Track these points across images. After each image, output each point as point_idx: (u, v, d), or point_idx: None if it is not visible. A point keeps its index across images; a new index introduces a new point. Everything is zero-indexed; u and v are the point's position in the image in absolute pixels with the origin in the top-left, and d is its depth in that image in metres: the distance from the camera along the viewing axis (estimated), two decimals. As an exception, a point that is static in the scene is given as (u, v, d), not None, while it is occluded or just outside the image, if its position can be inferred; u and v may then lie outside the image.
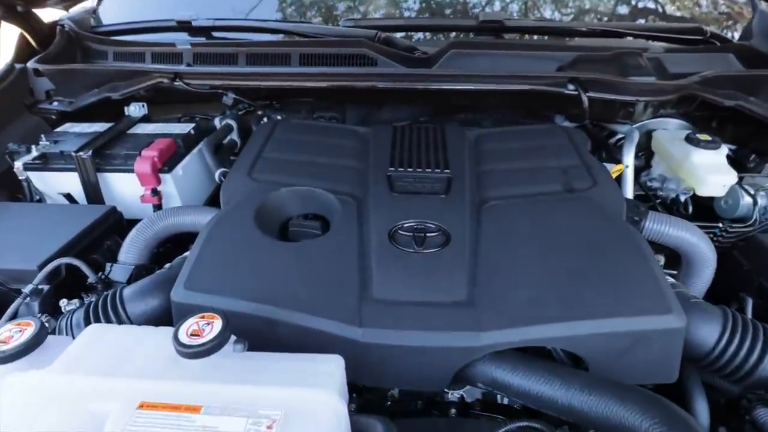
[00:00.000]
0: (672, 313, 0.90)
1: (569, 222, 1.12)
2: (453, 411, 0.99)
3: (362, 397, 1.01)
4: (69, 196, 1.58)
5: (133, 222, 1.34)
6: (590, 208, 1.16)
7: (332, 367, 0.74)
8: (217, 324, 0.76)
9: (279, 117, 1.84)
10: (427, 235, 1.08)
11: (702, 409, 0.96)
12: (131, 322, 1.03)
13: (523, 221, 1.13)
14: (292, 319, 0.91)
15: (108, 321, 1.02)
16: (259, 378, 0.71)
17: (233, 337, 0.78)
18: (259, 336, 0.91)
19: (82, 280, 1.20)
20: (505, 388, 0.89)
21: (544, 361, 0.91)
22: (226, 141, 1.78)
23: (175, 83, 1.57)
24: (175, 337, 0.73)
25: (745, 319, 0.98)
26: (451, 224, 1.10)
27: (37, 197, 1.61)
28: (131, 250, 1.28)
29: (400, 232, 1.09)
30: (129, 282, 1.21)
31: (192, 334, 0.74)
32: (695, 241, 1.22)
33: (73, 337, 0.83)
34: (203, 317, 0.77)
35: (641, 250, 1.03)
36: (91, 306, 1.04)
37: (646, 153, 1.73)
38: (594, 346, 0.91)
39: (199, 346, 0.72)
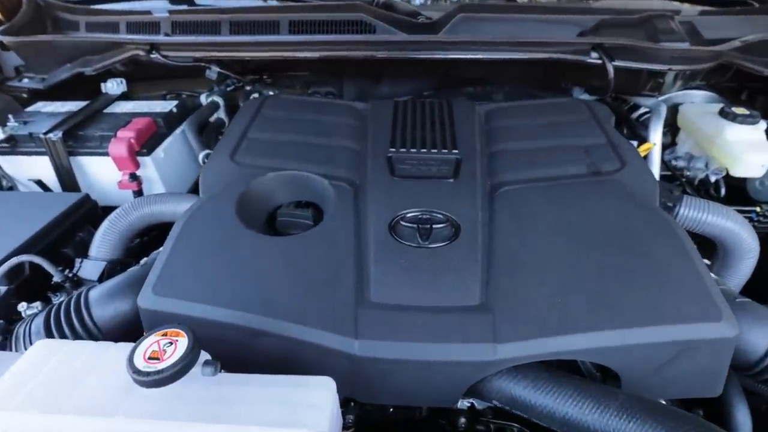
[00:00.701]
0: (723, 320, 0.77)
1: (596, 210, 0.98)
2: (462, 420, 0.86)
3: (360, 407, 0.88)
4: (40, 183, 1.45)
5: (110, 210, 1.20)
6: (620, 194, 1.02)
7: (321, 397, 0.61)
8: (182, 343, 0.63)
9: (271, 93, 1.71)
10: (434, 226, 0.94)
11: (744, 419, 0.85)
12: (99, 330, 0.90)
13: (543, 209, 0.99)
14: (278, 330, 0.78)
15: (71, 328, 0.89)
16: (232, 413, 0.58)
17: (204, 357, 0.65)
18: (239, 349, 0.80)
19: (49, 279, 1.07)
20: (526, 408, 0.77)
21: (571, 377, 0.78)
22: (213, 120, 1.64)
23: (152, 55, 1.42)
24: (130, 361, 0.60)
25: None
26: (460, 213, 0.96)
27: (8, 184, 1.47)
28: (104, 243, 1.14)
29: (402, 223, 0.95)
30: (101, 280, 1.08)
31: (150, 357, 0.61)
32: (737, 230, 1.08)
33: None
34: (166, 334, 0.64)
35: (682, 244, 0.90)
36: (53, 310, 0.91)
37: (670, 129, 1.58)
38: (629, 359, 0.78)
39: (157, 372, 0.59)
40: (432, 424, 0.90)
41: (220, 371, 0.64)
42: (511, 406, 0.78)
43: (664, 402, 0.87)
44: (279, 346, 0.78)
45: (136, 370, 0.59)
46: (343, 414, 0.81)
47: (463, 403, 0.89)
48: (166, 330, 0.64)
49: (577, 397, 0.74)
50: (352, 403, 0.87)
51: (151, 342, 0.62)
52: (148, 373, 0.58)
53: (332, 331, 0.77)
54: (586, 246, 0.90)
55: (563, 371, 0.80)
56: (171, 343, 0.62)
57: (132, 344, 0.64)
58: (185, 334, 0.63)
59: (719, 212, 1.09)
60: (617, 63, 1.30)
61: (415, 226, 0.94)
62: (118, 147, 1.34)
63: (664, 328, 0.77)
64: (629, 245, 0.90)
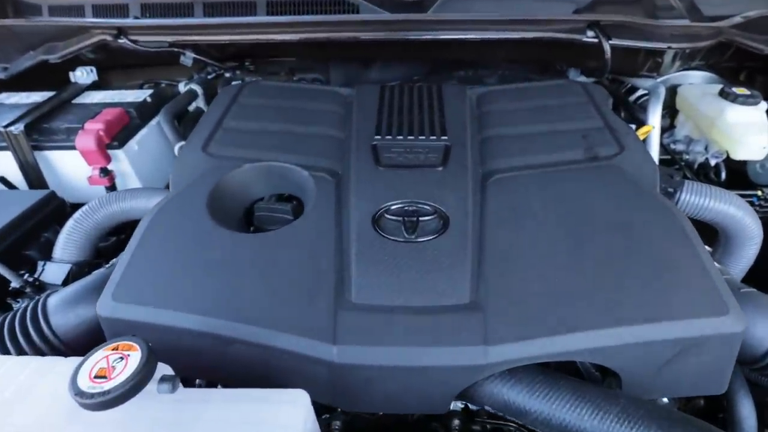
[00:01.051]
0: (729, 314, 0.72)
1: (594, 198, 0.91)
2: (456, 422, 0.81)
3: (347, 412, 0.82)
4: (4, 180, 1.36)
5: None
6: (619, 180, 0.95)
7: (292, 415, 0.54)
8: (135, 357, 0.55)
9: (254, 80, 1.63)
10: (420, 219, 0.87)
11: (748, 413, 0.81)
12: (60, 340, 0.82)
13: (538, 198, 0.92)
14: (251, 337, 0.71)
15: (27, 339, 0.82)
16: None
17: (162, 371, 0.58)
18: (211, 358, 0.73)
19: (6, 282, 1.00)
20: (521, 413, 0.71)
21: (568, 380, 0.72)
22: (192, 109, 1.56)
23: (120, 40, 1.33)
24: (72, 382, 0.52)
25: None
26: (449, 204, 0.89)
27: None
28: (69, 244, 1.07)
29: (386, 216, 0.88)
30: (66, 284, 1.01)
31: (97, 376, 0.53)
32: (740, 215, 1.02)
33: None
34: (116, 348, 0.56)
35: (684, 233, 0.84)
36: (7, 319, 0.84)
37: (669, 111, 1.52)
38: (631, 358, 0.72)
39: (103, 394, 0.51)
40: (424, 427, 0.85)
41: (180, 387, 0.57)
42: (505, 411, 0.72)
43: (666, 401, 0.83)
44: (253, 354, 0.72)
45: (78, 392, 0.51)
46: (330, 420, 0.77)
47: (457, 404, 0.83)
48: (117, 343, 0.57)
49: (575, 402, 0.68)
50: (339, 408, 0.80)
51: (98, 358, 0.55)
52: (92, 395, 0.51)
53: (309, 336, 0.70)
54: (583, 237, 0.84)
55: (560, 373, 0.74)
56: (122, 359, 0.55)
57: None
58: (138, 348, 0.56)
59: (722, 197, 1.03)
60: (614, 42, 1.23)
61: (400, 218, 0.87)
62: (86, 140, 1.26)
63: (668, 325, 0.71)
64: (629, 235, 0.84)
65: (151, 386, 0.55)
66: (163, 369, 0.58)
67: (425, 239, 0.84)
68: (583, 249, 0.82)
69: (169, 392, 0.56)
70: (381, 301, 0.75)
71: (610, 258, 0.80)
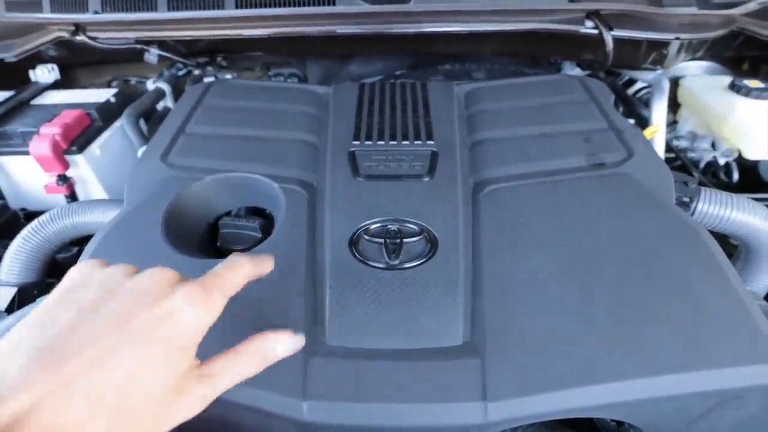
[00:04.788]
0: None
1: (604, 215, 0.80)
2: None
3: None
4: (-46, 189, 1.26)
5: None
6: (630, 191, 0.84)
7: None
8: None
9: (228, 77, 1.53)
10: (404, 240, 0.76)
11: None
12: None
13: (538, 213, 0.81)
14: None
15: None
16: None
17: None
18: None
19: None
20: None
21: None
22: (160, 109, 1.46)
23: (78, 37, 1.22)
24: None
25: None
26: (438, 223, 0.79)
27: None
28: (15, 264, 0.96)
29: (365, 237, 0.77)
30: (11, 310, 0.92)
31: None
32: (765, 227, 0.91)
33: None
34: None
35: (713, 257, 0.72)
36: None
37: (671, 106, 1.42)
38: (657, 414, 0.61)
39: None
40: None
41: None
42: None
43: None
44: (213, 410, 0.61)
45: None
46: None
47: None
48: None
49: None
50: None
51: None
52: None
53: (274, 390, 0.60)
54: (595, 263, 0.73)
55: (571, 430, 0.65)
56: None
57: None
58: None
59: (744, 207, 0.92)
60: (616, 33, 1.12)
61: (381, 241, 0.77)
62: (40, 145, 1.16)
63: (702, 375, 0.60)
64: (649, 263, 0.72)
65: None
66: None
67: (410, 265, 0.73)
68: (595, 278, 0.71)
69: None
70: (359, 343, 0.65)
71: (628, 291, 0.69)
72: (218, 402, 0.59)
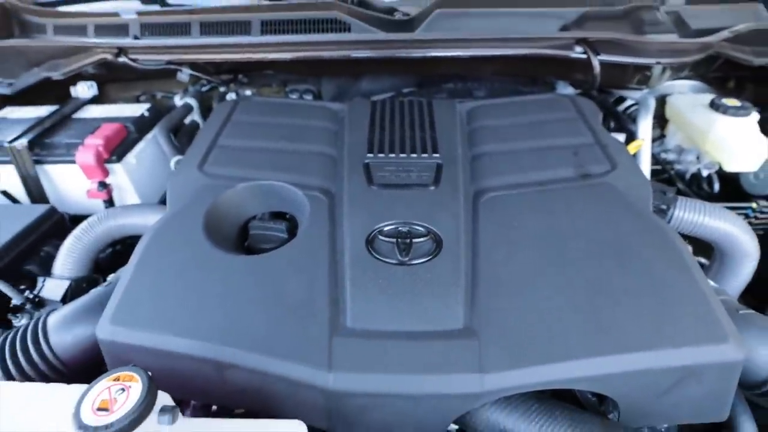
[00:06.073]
0: (729, 341, 0.72)
1: (588, 218, 0.92)
2: None
3: None
4: (6, 194, 1.39)
5: (81, 220, 1.15)
6: (611, 199, 0.96)
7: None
8: (136, 389, 0.58)
9: (248, 92, 1.65)
10: (414, 241, 0.88)
11: None
12: (59, 359, 0.84)
13: (530, 218, 0.93)
14: (247, 362, 0.73)
15: (28, 358, 0.83)
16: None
17: (162, 401, 0.60)
18: (208, 382, 0.75)
19: (8, 300, 1.02)
20: None
21: (565, 408, 0.74)
22: (187, 122, 1.59)
23: (120, 59, 1.35)
24: (75, 416, 0.55)
25: None
26: (442, 226, 0.91)
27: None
28: (68, 260, 1.09)
29: (380, 237, 0.89)
30: (65, 300, 1.03)
31: (100, 408, 0.56)
32: (735, 233, 1.03)
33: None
34: (118, 378, 0.59)
35: (681, 255, 0.84)
36: (8, 338, 0.86)
37: (659, 121, 1.53)
38: (629, 386, 0.73)
39: (106, 427, 0.53)
40: None
41: (180, 417, 0.59)
42: None
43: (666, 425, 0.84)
44: (250, 379, 0.73)
45: (82, 426, 0.54)
46: None
47: (452, 427, 0.82)
48: (118, 374, 0.59)
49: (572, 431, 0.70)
50: None
51: (100, 390, 0.57)
52: (96, 428, 0.54)
53: (304, 363, 0.72)
54: (578, 260, 0.85)
55: (556, 400, 0.75)
56: (123, 390, 0.57)
57: (83, 387, 0.59)
58: (139, 379, 0.58)
59: (716, 214, 1.04)
60: (603, 57, 1.24)
61: (394, 240, 0.89)
62: (86, 155, 1.29)
63: (666, 353, 0.71)
64: (625, 259, 0.84)
65: (152, 416, 0.58)
66: (163, 399, 0.60)
67: (419, 261, 0.85)
68: (577, 272, 0.82)
69: (168, 424, 0.58)
70: (376, 325, 0.77)
71: (606, 282, 0.81)
72: (254, 372, 0.72)
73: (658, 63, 1.25)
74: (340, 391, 0.71)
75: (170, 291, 0.83)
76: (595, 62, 1.24)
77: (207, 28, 1.35)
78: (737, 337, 0.73)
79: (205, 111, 1.62)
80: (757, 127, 1.29)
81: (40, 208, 1.22)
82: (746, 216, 1.29)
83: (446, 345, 0.74)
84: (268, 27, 1.32)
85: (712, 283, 0.96)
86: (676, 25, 1.30)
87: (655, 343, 0.72)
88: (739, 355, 0.72)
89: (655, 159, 1.47)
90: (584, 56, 1.25)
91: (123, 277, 0.86)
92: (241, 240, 1.03)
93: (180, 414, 0.59)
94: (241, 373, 0.73)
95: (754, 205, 1.29)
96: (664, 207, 1.05)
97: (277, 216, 1.05)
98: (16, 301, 1.00)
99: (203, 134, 1.20)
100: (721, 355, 0.71)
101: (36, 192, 1.37)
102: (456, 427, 0.82)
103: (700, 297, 0.78)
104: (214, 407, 0.83)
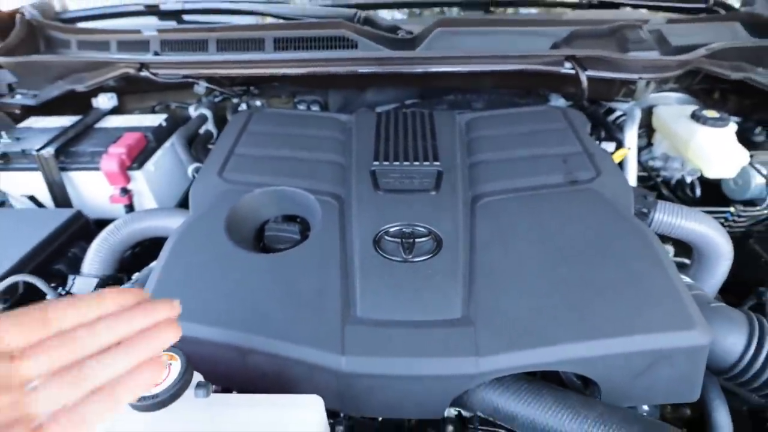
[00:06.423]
0: (695, 328, 0.80)
1: (574, 220, 1.02)
2: (450, 428, 0.88)
3: (350, 418, 0.91)
4: (33, 198, 1.48)
5: (103, 223, 1.24)
6: (596, 203, 1.06)
7: (309, 416, 0.65)
8: (176, 366, 0.67)
9: (258, 103, 1.74)
10: (416, 240, 0.97)
11: (723, 420, 0.89)
12: None
13: (522, 220, 1.02)
14: (267, 348, 0.81)
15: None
16: (224, 432, 0.62)
17: (196, 378, 0.69)
18: (231, 366, 0.84)
19: (43, 296, 1.10)
20: (509, 418, 0.81)
21: (551, 388, 0.82)
22: (201, 132, 1.68)
23: (142, 73, 1.45)
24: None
25: None
26: (442, 226, 1.00)
27: (1, 199, 1.51)
28: (96, 259, 1.18)
29: (386, 237, 0.99)
30: (93, 297, 1.12)
31: (146, 382, 0.65)
32: (710, 234, 1.12)
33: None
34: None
35: (656, 252, 0.93)
36: None
37: (646, 130, 1.63)
38: (608, 368, 0.81)
39: (153, 397, 0.63)
40: None
41: (212, 392, 0.69)
42: (495, 416, 0.82)
43: (647, 409, 0.92)
44: (269, 363, 0.82)
45: (132, 395, 0.63)
46: (333, 425, 0.84)
47: (451, 411, 0.91)
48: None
49: (556, 407, 0.77)
50: (342, 415, 0.89)
51: (147, 366, 0.66)
52: (144, 398, 0.63)
53: (320, 348, 0.80)
54: (564, 258, 0.94)
55: (544, 381, 0.84)
56: (166, 366, 0.67)
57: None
58: (178, 358, 0.68)
59: (692, 217, 1.13)
60: (590, 73, 1.33)
61: (398, 240, 0.98)
62: (110, 163, 1.37)
63: (639, 338, 0.80)
64: (605, 255, 0.93)
65: (189, 391, 0.67)
66: (197, 377, 0.70)
67: (421, 259, 0.94)
68: (564, 268, 0.91)
69: (203, 397, 0.67)
70: (383, 315, 0.85)
71: (588, 277, 0.89)
72: (273, 357, 0.81)
73: (641, 78, 1.34)
74: (351, 372, 0.79)
75: (197, 285, 0.91)
76: (583, 77, 1.33)
77: (223, 45, 1.45)
78: (704, 325, 0.81)
79: (219, 120, 1.70)
80: (734, 137, 1.38)
81: (67, 212, 1.31)
82: (725, 220, 1.37)
83: (445, 332, 0.82)
84: (280, 44, 1.42)
85: (687, 279, 1.05)
86: (658, 42, 1.39)
87: (631, 329, 0.80)
88: (704, 340, 0.80)
89: (643, 166, 1.56)
90: (573, 72, 1.34)
91: (154, 272, 0.94)
92: (258, 240, 1.12)
93: (212, 389, 0.69)
94: (262, 358, 0.81)
95: (732, 209, 1.37)
96: (645, 210, 1.13)
97: (290, 219, 1.14)
98: (50, 296, 1.09)
99: (221, 143, 1.29)
100: (688, 340, 0.80)
101: (60, 197, 1.45)
102: (456, 412, 0.90)
103: (672, 290, 0.86)
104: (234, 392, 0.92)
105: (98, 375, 0.45)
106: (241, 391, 0.85)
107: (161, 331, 0.50)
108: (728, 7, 1.60)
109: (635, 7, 1.56)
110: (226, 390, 0.89)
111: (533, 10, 1.74)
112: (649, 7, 1.58)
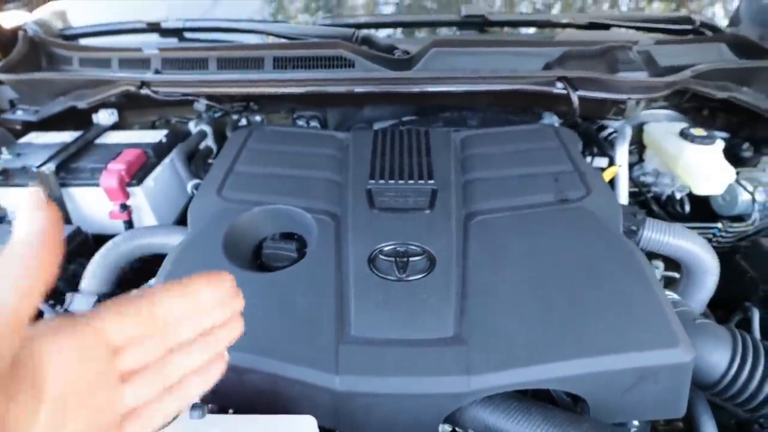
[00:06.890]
0: (679, 346, 0.83)
1: (564, 239, 1.04)
2: None
3: None
4: (33, 214, 1.49)
5: (102, 239, 1.26)
6: (585, 222, 1.08)
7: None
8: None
9: (258, 118, 1.76)
10: (410, 259, 1.00)
11: None
12: None
13: (514, 239, 1.05)
14: (264, 367, 0.83)
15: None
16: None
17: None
18: (228, 385, 0.84)
19: (40, 313, 1.11)
20: None
21: (540, 405, 0.84)
22: (201, 148, 1.70)
23: (143, 91, 1.47)
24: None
25: (756, 342, 0.93)
26: (436, 245, 1.02)
27: (0, 214, 1.52)
28: (94, 277, 1.20)
29: (380, 256, 1.01)
30: (93, 314, 1.14)
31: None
32: (696, 251, 1.15)
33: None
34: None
35: (642, 271, 0.96)
36: None
37: (638, 147, 1.67)
38: (595, 385, 0.83)
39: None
40: None
41: (207, 413, 0.71)
42: None
43: (637, 424, 0.94)
44: (266, 382, 0.83)
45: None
46: None
47: (445, 428, 0.92)
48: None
49: (544, 425, 0.79)
50: None
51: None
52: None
53: (314, 367, 0.82)
54: (553, 276, 0.96)
55: (533, 399, 0.86)
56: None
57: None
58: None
59: (680, 234, 1.16)
60: (581, 93, 1.36)
61: (392, 259, 1.00)
62: (109, 179, 1.39)
63: (625, 356, 0.82)
64: (594, 274, 0.95)
65: (185, 413, 0.69)
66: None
67: (415, 278, 0.96)
68: (553, 288, 0.93)
69: (199, 418, 0.69)
70: (377, 334, 0.87)
71: (577, 296, 0.91)
72: (269, 376, 0.82)
73: (630, 98, 1.38)
74: (346, 391, 0.80)
75: None
76: (574, 97, 1.35)
77: (223, 64, 1.48)
78: (687, 342, 0.83)
79: (218, 136, 1.73)
80: (721, 155, 1.41)
81: (66, 229, 1.33)
82: (713, 235, 1.41)
83: (438, 351, 0.84)
84: (280, 63, 1.45)
85: (675, 295, 1.07)
86: (646, 63, 1.42)
87: (617, 347, 0.83)
88: (687, 357, 0.82)
89: (635, 181, 1.59)
90: (564, 91, 1.36)
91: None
92: (255, 258, 1.14)
93: (207, 411, 0.71)
94: (258, 377, 0.83)
95: (719, 225, 1.40)
96: (634, 228, 1.16)
97: (287, 236, 1.16)
98: (47, 315, 1.10)
99: (220, 161, 1.32)
100: (672, 358, 0.82)
101: (60, 212, 1.47)
102: (449, 428, 0.92)
103: (657, 308, 0.88)
104: (231, 411, 0.93)
105: (179, 371, 0.45)
106: (237, 409, 0.87)
107: (231, 325, 0.49)
108: (715, 29, 1.64)
109: (625, 28, 1.60)
110: (223, 409, 0.90)
111: (528, 30, 1.77)
112: (638, 28, 1.61)
